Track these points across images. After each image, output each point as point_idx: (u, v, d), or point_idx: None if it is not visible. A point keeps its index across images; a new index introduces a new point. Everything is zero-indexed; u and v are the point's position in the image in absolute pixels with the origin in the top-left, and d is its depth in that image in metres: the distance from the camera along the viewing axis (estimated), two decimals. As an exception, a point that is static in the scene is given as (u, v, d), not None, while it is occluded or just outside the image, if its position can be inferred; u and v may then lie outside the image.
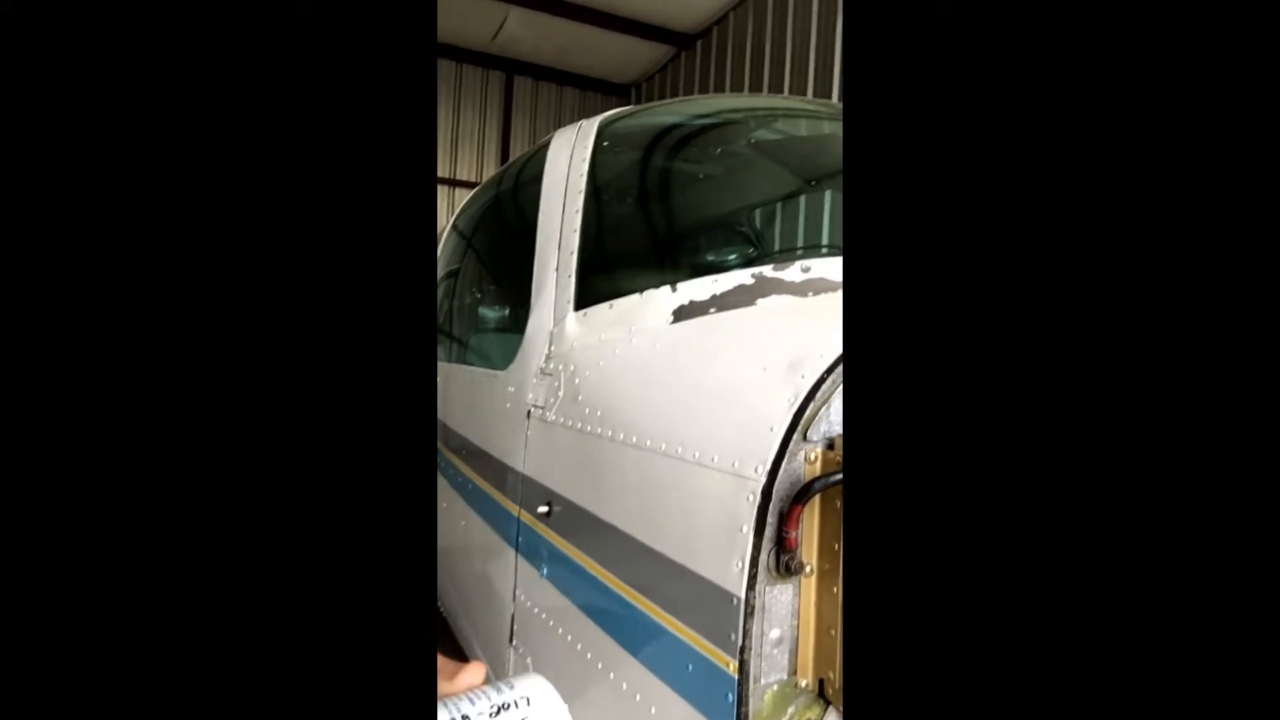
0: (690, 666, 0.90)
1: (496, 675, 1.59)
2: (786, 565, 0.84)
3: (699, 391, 1.06)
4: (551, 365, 1.49)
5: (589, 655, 1.16)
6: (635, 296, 1.35)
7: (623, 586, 1.08)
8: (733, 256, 1.39)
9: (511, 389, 1.66)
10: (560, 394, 1.41)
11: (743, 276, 1.22)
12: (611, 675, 1.09)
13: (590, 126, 1.78)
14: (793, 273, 1.19)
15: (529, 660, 1.41)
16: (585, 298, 1.49)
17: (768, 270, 1.21)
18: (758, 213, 1.57)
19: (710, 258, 1.46)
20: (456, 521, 2.01)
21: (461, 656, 1.90)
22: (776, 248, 1.62)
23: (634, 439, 1.11)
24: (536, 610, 1.39)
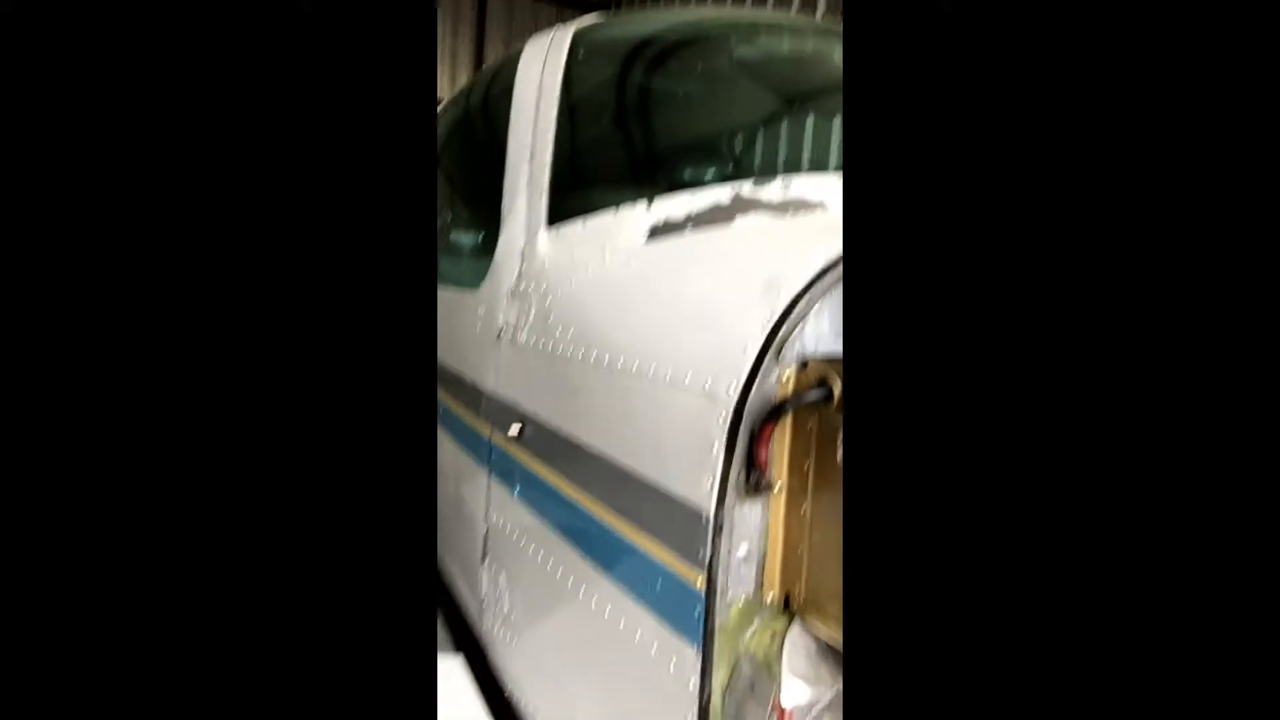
0: (659, 583, 0.91)
1: (470, 593, 1.62)
2: (756, 483, 0.83)
3: (672, 311, 1.03)
4: (523, 285, 1.44)
5: (559, 573, 1.17)
6: (609, 214, 1.29)
7: (593, 505, 1.08)
8: (710, 174, 1.33)
9: (482, 310, 1.61)
10: (531, 314, 1.37)
11: (720, 194, 1.17)
12: (581, 592, 1.10)
13: (564, 35, 1.67)
14: (772, 191, 1.15)
15: (501, 578, 1.42)
16: (558, 214, 1.42)
17: (746, 188, 1.17)
18: (738, 130, 1.50)
19: (687, 175, 1.40)
20: (428, 445, 2.00)
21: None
22: (757, 166, 1.55)
23: (606, 359, 1.09)
24: (508, 530, 1.39)
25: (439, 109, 2.59)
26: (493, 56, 9.61)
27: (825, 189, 1.14)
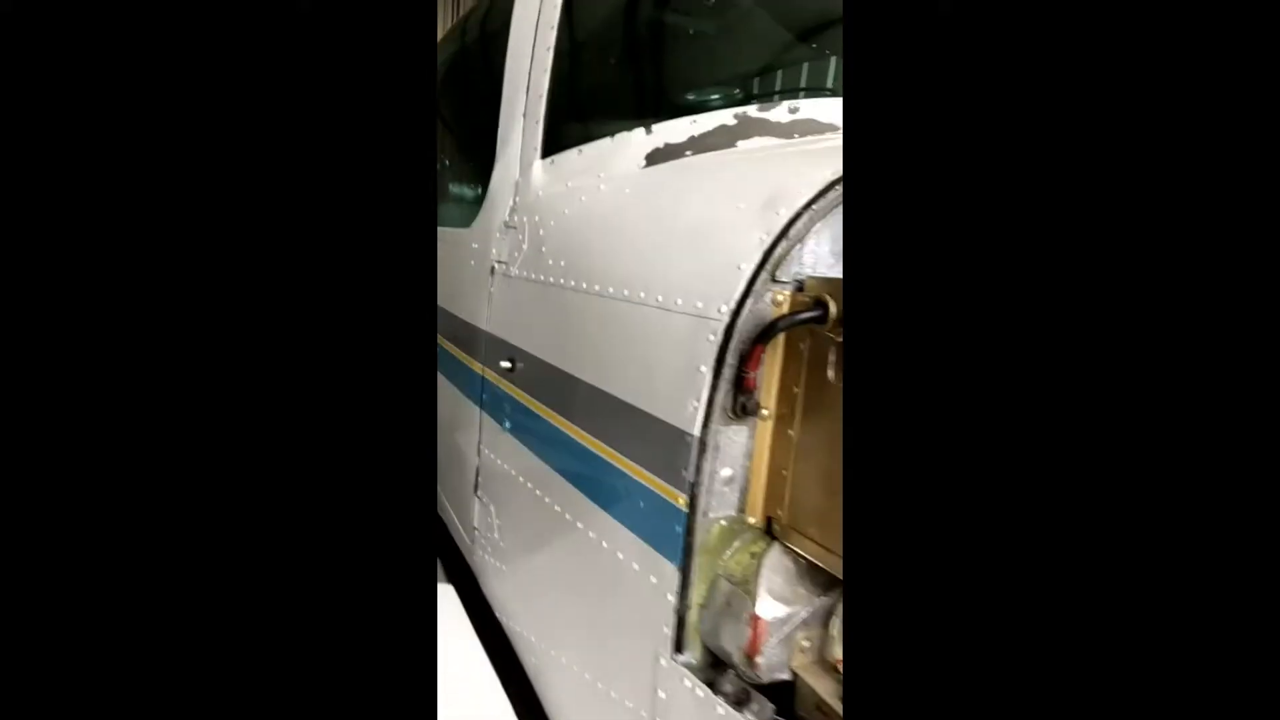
0: (642, 503, 0.91)
1: (462, 525, 1.63)
2: (743, 406, 0.82)
3: (666, 235, 1.00)
4: (516, 218, 1.41)
5: (547, 500, 1.18)
6: (606, 141, 1.26)
7: (579, 432, 1.07)
8: (715, 97, 1.29)
9: (475, 246, 1.58)
10: (524, 247, 1.34)
11: (724, 117, 1.13)
12: (568, 517, 1.10)
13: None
14: (779, 113, 1.11)
15: (492, 509, 1.43)
16: (553, 144, 1.38)
17: (752, 110, 1.13)
18: (744, 51, 1.44)
19: (690, 98, 1.35)
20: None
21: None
22: (761, 88, 1.50)
23: (596, 288, 1.07)
24: (499, 462, 1.39)
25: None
26: None
27: (835, 110, 1.10)
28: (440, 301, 1.82)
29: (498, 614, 1.41)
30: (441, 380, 1.82)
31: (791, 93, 1.33)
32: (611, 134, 1.26)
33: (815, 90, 1.37)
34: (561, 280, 1.17)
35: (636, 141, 1.20)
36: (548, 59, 1.45)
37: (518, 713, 1.18)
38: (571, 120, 1.43)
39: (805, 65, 1.43)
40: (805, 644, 0.81)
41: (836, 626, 0.82)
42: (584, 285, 1.10)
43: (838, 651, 0.82)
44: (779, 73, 1.46)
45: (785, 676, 0.81)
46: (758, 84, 1.36)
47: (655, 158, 1.16)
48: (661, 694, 0.88)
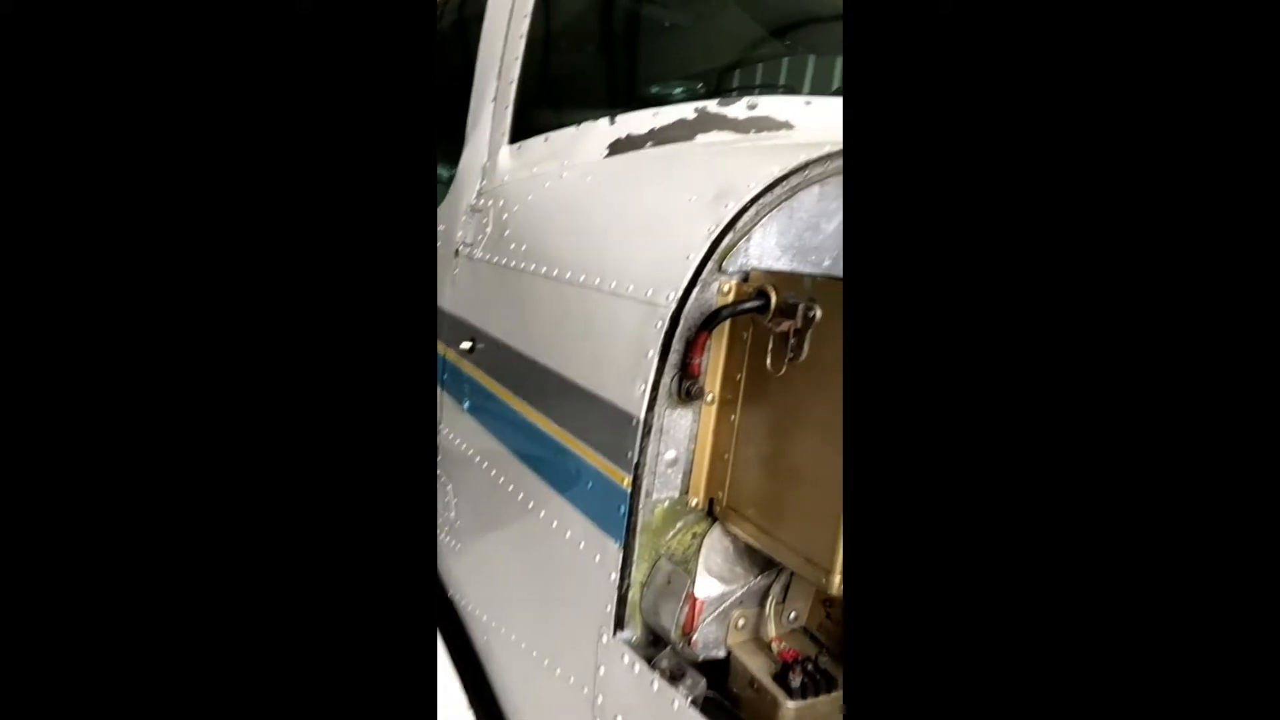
0: (590, 484, 0.93)
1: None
2: (688, 391, 0.85)
3: (623, 223, 1.02)
4: (482, 202, 1.42)
5: (501, 480, 1.19)
6: (571, 129, 1.27)
7: (533, 413, 1.09)
8: (678, 91, 1.31)
9: (442, 228, 1.58)
10: (488, 230, 1.35)
11: (684, 110, 1.15)
12: (520, 497, 1.12)
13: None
14: (737, 109, 1.13)
15: (449, 487, 1.44)
16: (521, 131, 1.39)
17: (711, 105, 1.15)
18: (709, 46, 1.46)
19: (654, 91, 1.37)
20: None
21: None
22: (733, 85, 1.52)
23: (555, 272, 1.08)
24: (458, 442, 1.40)
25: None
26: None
27: (793, 109, 1.12)
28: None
29: (452, 593, 1.43)
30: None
31: (750, 89, 1.36)
32: (577, 122, 1.27)
33: (771, 87, 1.40)
34: (522, 264, 1.19)
35: (600, 131, 1.22)
36: (520, 46, 1.45)
37: (469, 698, 1.20)
38: (540, 107, 1.44)
39: (761, 65, 1.46)
40: (740, 623, 0.84)
41: (771, 606, 0.85)
42: (543, 270, 1.12)
43: (772, 630, 0.85)
44: (739, 70, 1.48)
45: (720, 654, 0.84)
46: (720, 80, 1.39)
47: (617, 147, 1.18)
48: (602, 670, 0.91)
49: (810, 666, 0.78)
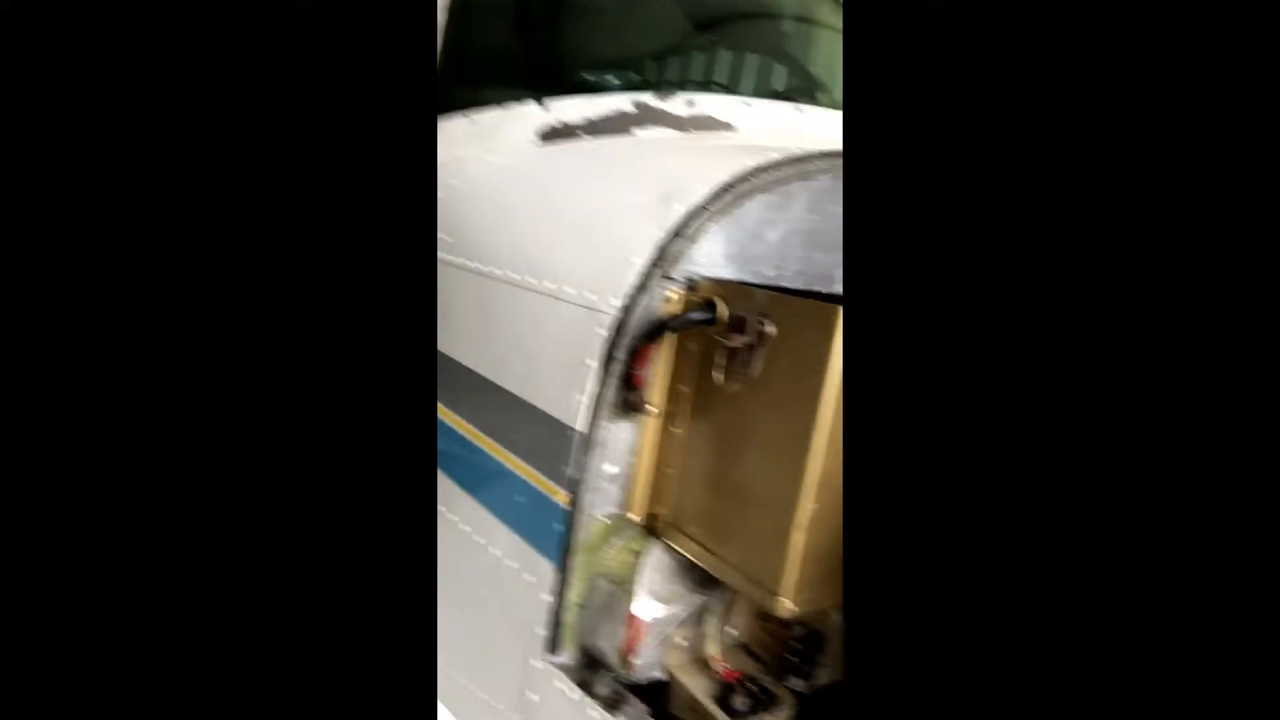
0: (521, 498, 0.87)
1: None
2: (630, 403, 0.80)
3: (559, 219, 0.96)
4: (397, 183, 1.31)
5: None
6: (498, 110, 1.18)
7: (455, 419, 1.01)
8: (614, 79, 1.25)
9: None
10: None
11: (622, 102, 1.10)
12: (442, 508, 1.04)
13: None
14: (677, 105, 1.09)
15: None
16: (442, 105, 1.29)
17: (650, 99, 1.10)
18: (645, 41, 1.41)
19: (589, 77, 1.31)
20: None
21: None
22: (663, 77, 1.48)
23: (484, 268, 1.00)
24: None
25: None
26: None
27: (734, 110, 1.09)
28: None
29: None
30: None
31: (686, 85, 1.32)
32: (503, 103, 1.19)
33: (707, 85, 1.37)
34: (446, 255, 1.09)
35: (530, 115, 1.14)
36: (440, 14, 1.34)
37: None
38: (461, 84, 1.34)
39: (702, 56, 1.43)
40: (681, 643, 0.82)
41: (712, 624, 0.83)
42: (469, 263, 1.04)
43: (713, 649, 0.83)
44: (670, 61, 1.44)
45: (660, 676, 0.81)
46: (659, 70, 1.33)
47: (550, 135, 1.11)
48: (533, 696, 0.86)
49: (753, 686, 0.77)
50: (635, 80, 1.14)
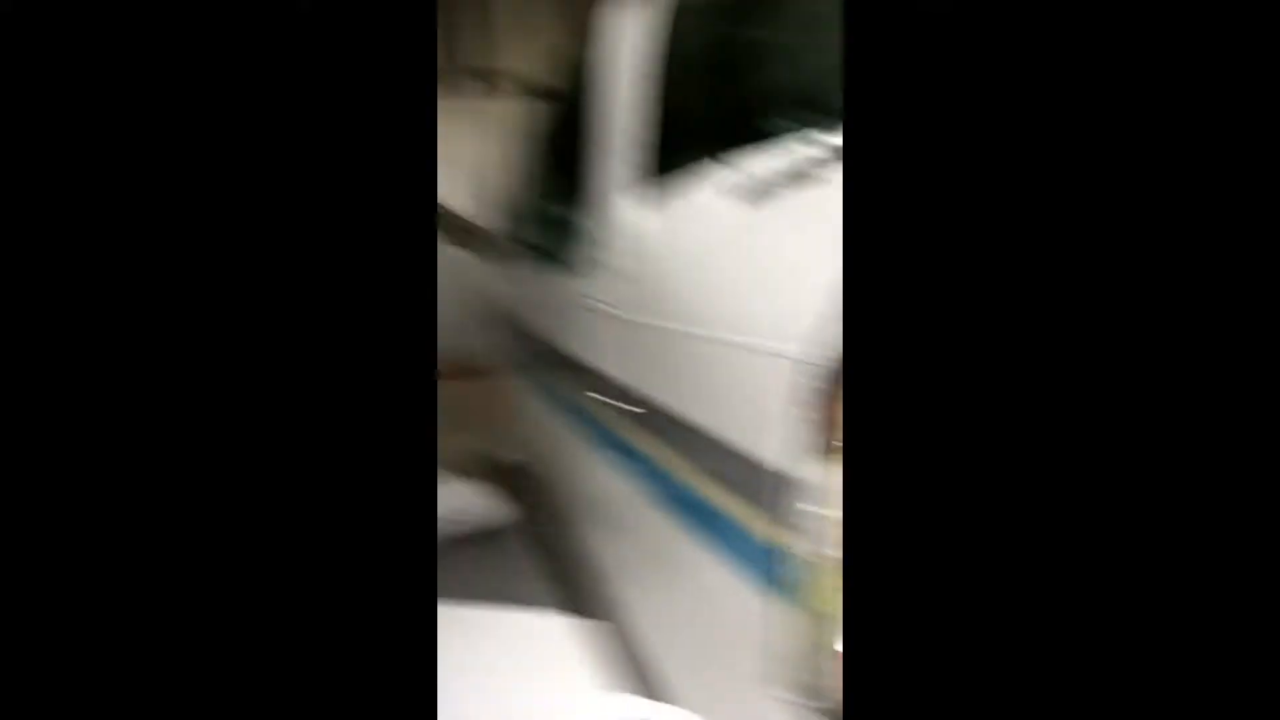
0: (743, 542, 0.93)
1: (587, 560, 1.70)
2: (826, 445, 0.82)
3: (753, 273, 1.01)
4: (618, 259, 1.47)
5: (657, 533, 1.21)
6: (691, 174, 1.28)
7: (684, 468, 1.10)
8: (787, 124, 1.26)
9: (560, 275, 1.66)
10: (633, 289, 1.39)
11: (808, 148, 1.12)
12: (673, 547, 1.13)
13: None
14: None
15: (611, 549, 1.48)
16: (644, 177, 1.42)
17: (836, 139, 1.11)
18: (816, 72, 1.38)
19: (765, 125, 1.33)
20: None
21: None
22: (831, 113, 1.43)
23: (707, 332, 1.08)
24: (615, 495, 1.45)
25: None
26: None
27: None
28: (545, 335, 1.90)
29: (624, 640, 1.46)
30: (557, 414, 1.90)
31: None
32: (692, 163, 1.27)
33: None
34: (676, 325, 1.19)
35: (721, 178, 1.22)
36: (639, 89, 1.47)
37: None
38: (658, 150, 1.46)
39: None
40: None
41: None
42: (684, 328, 1.13)
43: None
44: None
45: None
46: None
47: (740, 192, 1.17)
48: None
49: None
50: (818, 123, 1.14)
